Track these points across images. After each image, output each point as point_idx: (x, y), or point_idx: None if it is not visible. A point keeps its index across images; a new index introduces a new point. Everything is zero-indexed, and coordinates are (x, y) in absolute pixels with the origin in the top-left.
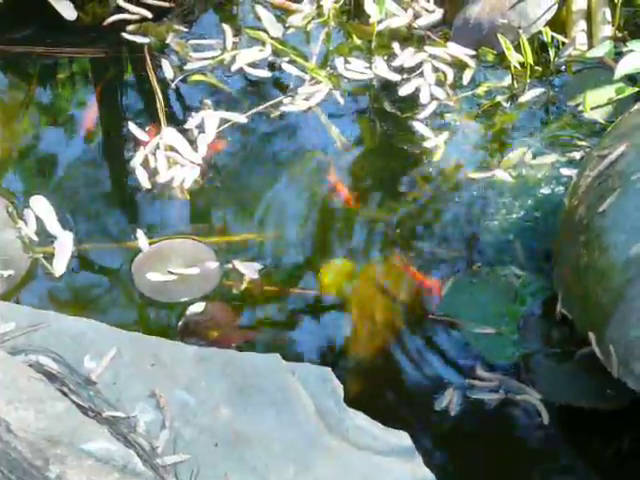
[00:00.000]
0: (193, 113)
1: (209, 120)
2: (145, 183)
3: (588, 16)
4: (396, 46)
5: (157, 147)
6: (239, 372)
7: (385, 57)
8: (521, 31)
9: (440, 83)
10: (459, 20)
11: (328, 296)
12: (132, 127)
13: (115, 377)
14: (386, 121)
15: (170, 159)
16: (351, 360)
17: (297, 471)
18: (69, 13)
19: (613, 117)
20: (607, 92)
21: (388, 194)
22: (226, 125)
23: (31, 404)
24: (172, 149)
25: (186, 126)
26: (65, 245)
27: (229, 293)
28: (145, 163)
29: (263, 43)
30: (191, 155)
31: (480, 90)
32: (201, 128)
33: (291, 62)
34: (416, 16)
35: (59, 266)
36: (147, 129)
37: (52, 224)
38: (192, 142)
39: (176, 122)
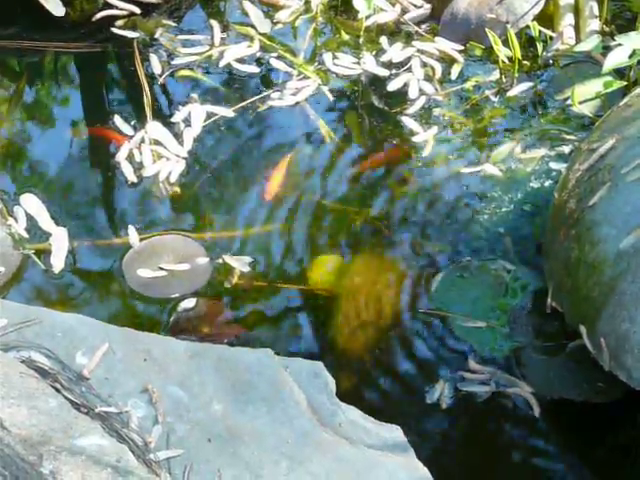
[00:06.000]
0: (180, 107)
1: (196, 114)
2: (131, 177)
3: (575, 10)
4: (384, 41)
5: (142, 141)
6: (231, 368)
7: (373, 52)
8: (509, 26)
9: (428, 78)
10: (447, 15)
11: (318, 290)
12: (118, 121)
13: (107, 373)
14: (375, 116)
15: (155, 153)
16: (343, 354)
17: (290, 466)
18: (57, 10)
19: (601, 111)
20: (595, 86)
21: (377, 189)
22: (213, 119)
23: (24, 400)
24: (157, 143)
25: (173, 120)
26: (61, 241)
27: (220, 288)
28: (130, 157)
29: (251, 39)
30: (177, 149)
31: (468, 85)
32: (187, 122)
33: (279, 58)
34: (404, 11)
35: (57, 262)
36: (132, 124)
37: (45, 221)
38: (178, 136)
39: (163, 116)
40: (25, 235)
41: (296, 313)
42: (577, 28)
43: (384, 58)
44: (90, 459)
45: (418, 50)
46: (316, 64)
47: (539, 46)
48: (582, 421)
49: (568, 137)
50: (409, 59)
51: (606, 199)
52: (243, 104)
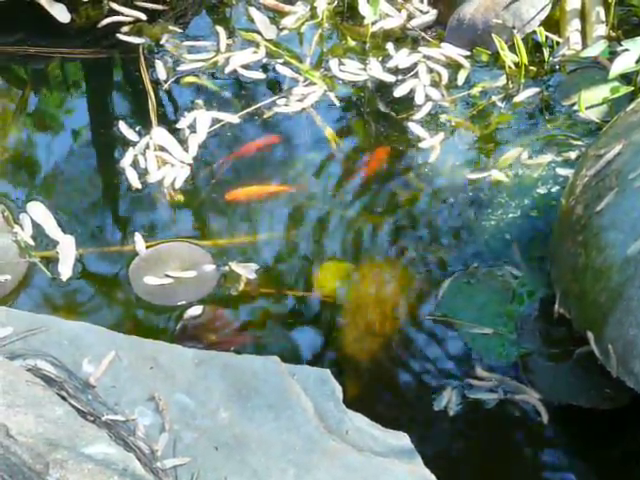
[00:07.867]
0: (185, 113)
1: (201, 120)
2: (135, 183)
3: (582, 16)
4: (390, 47)
5: (147, 147)
6: (238, 375)
7: (379, 58)
8: (515, 31)
9: (435, 84)
10: (453, 20)
11: (325, 297)
12: (123, 127)
13: (114, 381)
14: (381, 122)
15: (160, 159)
16: (350, 361)
17: (297, 473)
18: (63, 16)
19: (608, 116)
20: (602, 91)
21: (384, 195)
22: (218, 125)
23: (30, 408)
24: (162, 149)
25: (178, 126)
26: (69, 249)
27: (226, 296)
28: (135, 163)
29: (257, 45)
30: (182, 155)
31: (475, 90)
32: (193, 128)
33: (285, 64)
34: (410, 17)
35: (65, 270)
36: (137, 130)
37: (51, 228)
38: (183, 142)
39: (168, 122)
40: (31, 243)
41: (303, 320)
42: (584, 33)
43: (390, 64)
44: (97, 467)
45: (424, 56)
46: (322, 70)
47: (546, 51)
48: (590, 427)
49: (575, 143)
50: (415, 65)
51: (613, 205)
52: (249, 110)
